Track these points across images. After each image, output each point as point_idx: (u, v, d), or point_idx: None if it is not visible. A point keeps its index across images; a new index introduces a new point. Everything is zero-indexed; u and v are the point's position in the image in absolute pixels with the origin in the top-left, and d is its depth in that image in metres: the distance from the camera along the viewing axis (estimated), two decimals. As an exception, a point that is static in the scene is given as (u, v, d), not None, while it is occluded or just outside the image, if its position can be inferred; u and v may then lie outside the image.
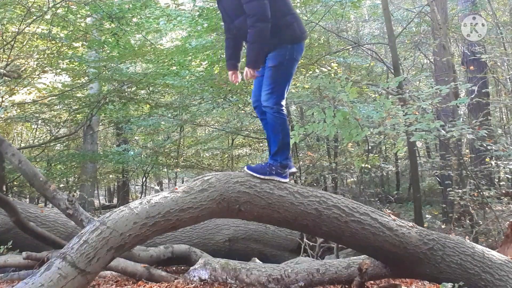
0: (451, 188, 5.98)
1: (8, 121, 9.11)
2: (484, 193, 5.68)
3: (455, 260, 2.93)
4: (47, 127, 10.28)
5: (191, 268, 3.87)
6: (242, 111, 9.61)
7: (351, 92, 4.60)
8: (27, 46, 7.83)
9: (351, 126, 4.62)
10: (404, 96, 5.38)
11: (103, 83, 9.16)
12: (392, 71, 6.62)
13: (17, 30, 7.03)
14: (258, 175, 2.85)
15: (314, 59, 7.62)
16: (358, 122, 4.68)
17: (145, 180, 11.49)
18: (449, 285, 2.86)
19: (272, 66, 2.84)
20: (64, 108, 9.10)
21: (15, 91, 8.09)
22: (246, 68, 2.85)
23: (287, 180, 2.91)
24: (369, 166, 7.49)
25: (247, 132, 10.61)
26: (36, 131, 11.24)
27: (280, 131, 2.85)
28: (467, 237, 4.85)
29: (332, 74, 5.79)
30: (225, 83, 7.54)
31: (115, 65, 7.81)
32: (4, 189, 6.86)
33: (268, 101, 2.82)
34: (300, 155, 8.25)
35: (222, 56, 7.44)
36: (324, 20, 8.59)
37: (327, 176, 8.87)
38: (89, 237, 2.46)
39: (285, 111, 2.90)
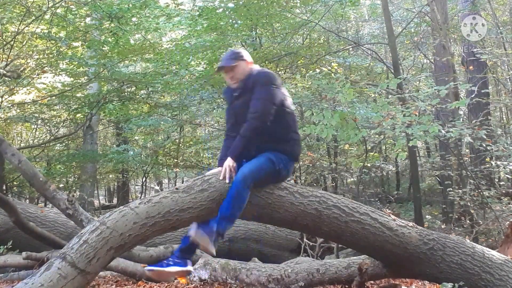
0: (451, 188, 5.97)
1: (8, 121, 9.11)
2: (484, 193, 5.68)
3: (455, 260, 2.93)
4: (47, 127, 10.28)
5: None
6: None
7: (348, 92, 4.60)
8: (27, 46, 7.82)
9: (349, 127, 4.61)
10: (404, 96, 5.37)
11: (103, 83, 9.15)
12: (392, 71, 6.62)
13: (16, 30, 7.02)
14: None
15: (314, 59, 7.62)
16: (356, 123, 4.67)
17: (145, 180, 11.49)
18: (449, 285, 2.86)
19: (269, 157, 2.75)
20: (64, 108, 9.10)
21: (14, 91, 8.09)
22: (226, 162, 2.75)
23: (187, 268, 2.79)
24: (369, 165, 7.47)
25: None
26: (36, 131, 11.24)
27: (238, 204, 2.67)
28: (467, 237, 4.86)
29: (332, 74, 5.78)
30: (224, 82, 7.53)
31: (114, 65, 7.80)
32: (4, 189, 6.86)
33: (245, 174, 2.64)
34: (300, 155, 8.23)
35: (221, 56, 7.45)
36: (324, 20, 8.59)
37: (327, 176, 8.86)
38: (89, 237, 2.46)
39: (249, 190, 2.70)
